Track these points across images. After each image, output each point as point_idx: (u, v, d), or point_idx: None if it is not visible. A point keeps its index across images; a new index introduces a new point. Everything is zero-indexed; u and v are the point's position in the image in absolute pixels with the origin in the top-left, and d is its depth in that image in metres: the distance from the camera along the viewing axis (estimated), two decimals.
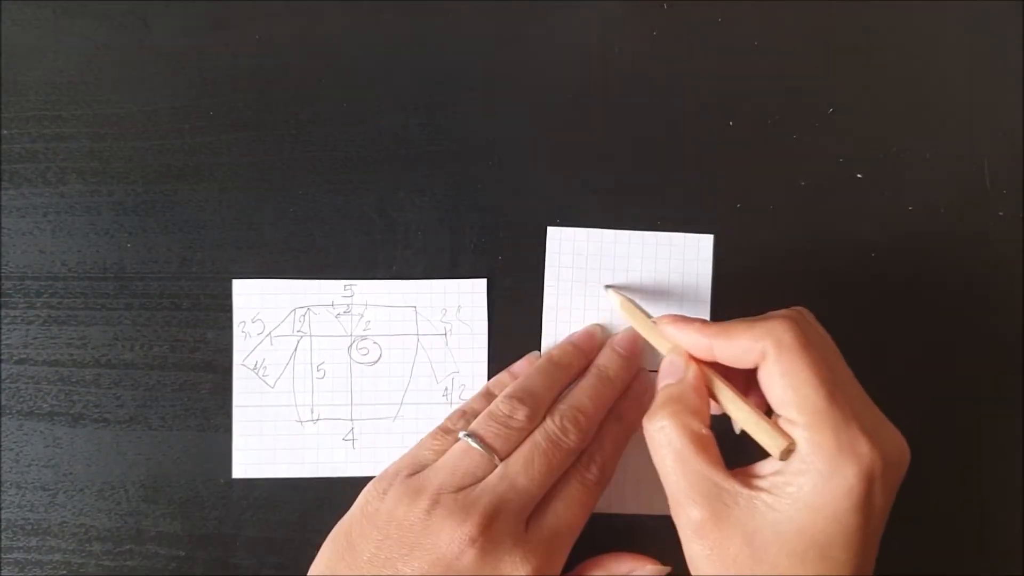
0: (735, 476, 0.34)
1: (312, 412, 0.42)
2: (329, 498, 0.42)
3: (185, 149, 0.43)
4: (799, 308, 0.36)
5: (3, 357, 0.42)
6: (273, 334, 0.42)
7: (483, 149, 0.43)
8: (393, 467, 0.38)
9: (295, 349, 0.42)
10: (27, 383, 0.42)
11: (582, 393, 0.39)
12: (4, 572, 0.41)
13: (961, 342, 0.43)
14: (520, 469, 0.36)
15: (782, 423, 0.34)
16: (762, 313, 0.40)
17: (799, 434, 0.33)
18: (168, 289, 0.42)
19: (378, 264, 0.43)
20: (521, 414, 0.37)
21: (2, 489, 0.42)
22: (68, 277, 0.42)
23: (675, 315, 0.38)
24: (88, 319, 0.42)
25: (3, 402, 0.42)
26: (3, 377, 0.42)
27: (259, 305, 0.42)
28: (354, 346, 0.42)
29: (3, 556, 0.41)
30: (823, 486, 0.32)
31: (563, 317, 0.43)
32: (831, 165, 0.43)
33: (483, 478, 0.36)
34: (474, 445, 0.37)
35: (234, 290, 0.42)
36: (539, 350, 0.43)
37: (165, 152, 0.43)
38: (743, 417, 0.35)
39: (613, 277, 0.43)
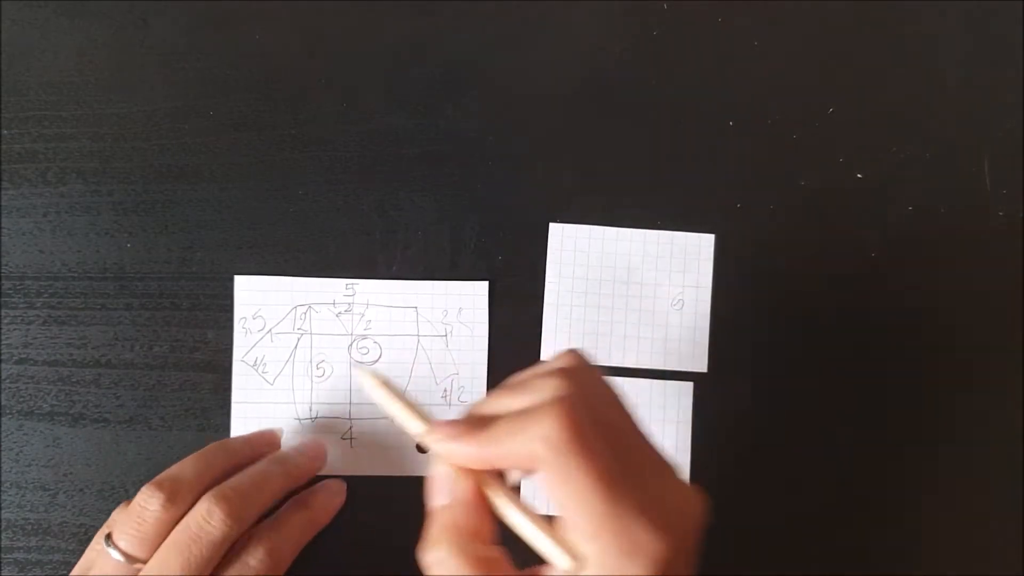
0: None
1: (311, 410, 0.42)
2: None
3: (185, 149, 0.43)
4: (570, 356, 0.32)
5: (3, 357, 0.42)
6: (274, 331, 0.42)
7: (483, 149, 0.43)
8: None
9: (295, 347, 0.42)
10: (27, 383, 0.42)
11: (243, 474, 0.36)
12: (4, 572, 0.41)
13: (961, 342, 0.43)
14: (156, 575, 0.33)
15: (568, 528, 0.30)
16: (763, 314, 0.40)
17: (585, 543, 0.29)
18: (168, 289, 0.42)
19: (378, 264, 0.43)
20: (155, 504, 0.34)
21: (2, 489, 0.42)
22: (68, 277, 0.42)
23: (446, 424, 0.32)
24: (88, 319, 0.42)
25: (3, 402, 0.42)
26: (3, 377, 0.42)
27: (260, 302, 0.42)
28: (354, 345, 0.42)
29: (3, 556, 0.41)
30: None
31: (564, 314, 0.43)
32: (831, 165, 0.43)
33: None
34: (110, 552, 0.34)
35: (236, 286, 0.42)
36: (540, 349, 0.43)
37: (165, 152, 0.43)
38: (526, 532, 0.31)
39: (615, 275, 0.43)
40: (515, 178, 0.43)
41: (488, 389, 0.42)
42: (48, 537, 0.41)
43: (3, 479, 0.42)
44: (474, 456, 0.31)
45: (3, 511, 0.41)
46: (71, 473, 0.42)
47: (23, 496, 0.42)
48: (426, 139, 0.43)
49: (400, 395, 0.33)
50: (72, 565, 0.41)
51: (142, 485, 0.41)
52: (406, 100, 0.43)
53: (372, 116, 0.43)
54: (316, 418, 0.42)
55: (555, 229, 0.43)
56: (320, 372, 0.42)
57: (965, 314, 0.43)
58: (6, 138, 0.42)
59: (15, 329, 0.42)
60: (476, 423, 0.31)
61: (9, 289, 0.42)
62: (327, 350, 0.42)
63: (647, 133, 0.43)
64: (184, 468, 0.36)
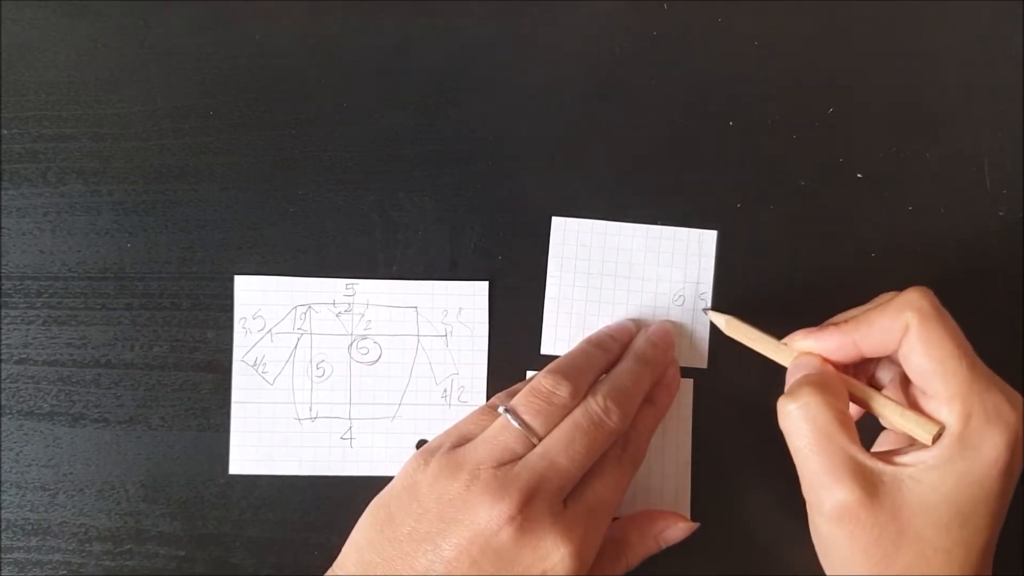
0: (876, 456, 0.34)
1: (311, 410, 0.42)
2: (329, 498, 0.42)
3: (185, 149, 0.43)
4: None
5: (3, 357, 0.42)
6: (274, 331, 0.42)
7: (483, 149, 0.43)
8: (437, 440, 0.38)
9: (295, 347, 0.42)
10: (27, 383, 0.42)
11: (623, 375, 0.39)
12: (4, 572, 0.41)
13: None
14: (561, 449, 0.35)
15: (925, 400, 0.35)
16: (763, 312, 0.40)
17: (944, 409, 0.33)
18: (168, 289, 0.42)
19: (378, 264, 0.43)
20: (564, 390, 0.37)
21: (2, 489, 0.42)
22: (68, 277, 0.42)
23: (803, 330, 0.38)
24: (88, 319, 0.42)
25: (3, 402, 0.42)
26: (3, 377, 0.42)
27: (260, 302, 0.42)
28: (354, 345, 0.42)
29: (3, 556, 0.41)
30: (972, 455, 0.32)
31: (564, 308, 0.43)
32: (831, 165, 0.43)
33: (523, 455, 0.35)
34: (512, 422, 0.36)
35: (236, 286, 0.42)
36: (539, 348, 0.43)
37: (165, 152, 0.43)
38: (888, 410, 0.35)
39: (616, 270, 0.43)
40: (515, 178, 0.43)
41: (488, 389, 0.42)
42: (48, 537, 0.41)
43: (3, 479, 0.42)
44: (842, 342, 0.36)
45: (3, 511, 0.41)
46: (71, 473, 0.42)
47: (23, 496, 0.42)
48: (426, 139, 0.43)
49: (754, 331, 0.39)
50: (72, 565, 0.41)
51: (142, 485, 0.42)
52: (406, 100, 0.43)
53: (372, 116, 0.43)
54: (316, 418, 0.42)
55: (557, 223, 0.43)
56: (320, 372, 0.42)
57: (964, 314, 0.43)
58: (6, 138, 0.42)
59: (15, 329, 0.42)
60: (835, 323, 0.37)
61: (9, 289, 0.42)
62: (327, 350, 0.42)
63: (647, 133, 0.43)
64: (578, 362, 0.39)
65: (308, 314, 0.42)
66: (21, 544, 0.41)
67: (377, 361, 0.42)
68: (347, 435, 0.42)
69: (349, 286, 0.42)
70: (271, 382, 0.42)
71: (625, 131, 0.43)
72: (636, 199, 0.43)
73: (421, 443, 0.42)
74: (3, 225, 0.42)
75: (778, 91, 0.44)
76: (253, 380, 0.42)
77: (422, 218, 0.43)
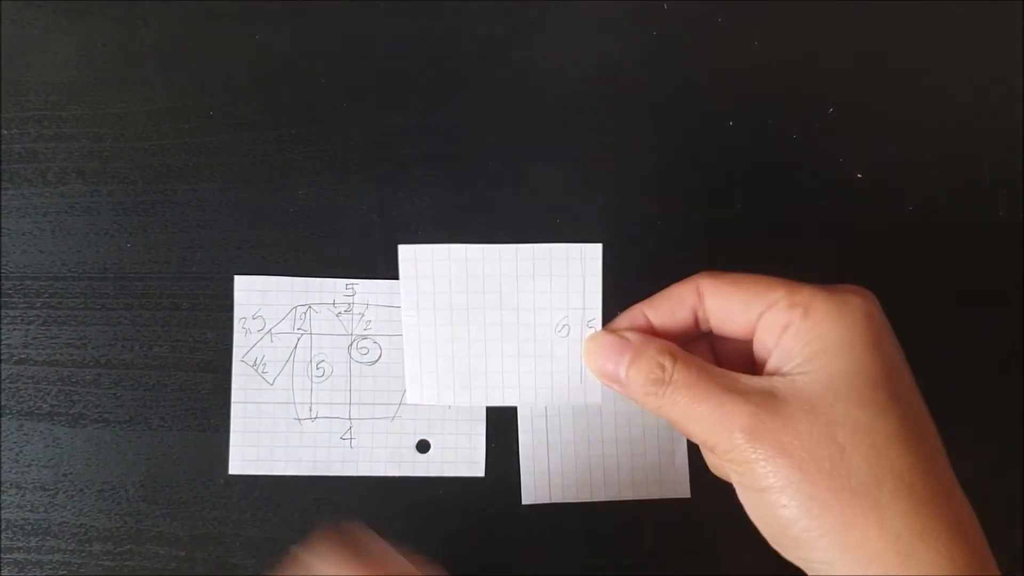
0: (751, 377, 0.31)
1: (310, 410, 0.42)
2: (328, 498, 0.42)
3: (185, 149, 0.43)
4: None
5: (3, 357, 0.42)
6: (273, 331, 0.42)
7: (483, 149, 0.43)
8: None
9: (295, 347, 0.42)
10: (27, 383, 0.42)
11: None
12: (4, 572, 0.41)
13: (960, 343, 0.43)
14: None
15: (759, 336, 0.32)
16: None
17: (792, 312, 0.30)
18: (168, 289, 0.42)
19: (378, 264, 0.43)
20: None
21: (2, 489, 0.42)
22: (68, 277, 0.42)
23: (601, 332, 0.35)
24: (88, 319, 0.42)
25: (3, 402, 0.42)
26: (3, 377, 0.42)
27: (260, 302, 0.42)
28: (354, 345, 0.42)
29: (3, 556, 0.41)
30: (834, 323, 0.30)
31: (428, 351, 0.37)
32: (831, 165, 0.43)
33: None
34: None
35: (236, 286, 0.42)
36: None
37: (165, 152, 0.43)
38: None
39: (484, 301, 0.37)
40: (515, 178, 0.43)
41: None
42: (48, 537, 0.41)
43: (3, 479, 0.42)
44: (634, 318, 0.34)
45: (3, 511, 0.41)
46: (71, 473, 0.42)
47: (23, 496, 0.42)
48: (426, 139, 0.43)
49: None
50: (72, 565, 0.41)
51: (142, 485, 0.42)
52: (406, 100, 0.43)
53: (372, 116, 0.43)
54: (316, 418, 0.42)
55: (405, 252, 0.36)
56: (320, 372, 0.42)
57: (964, 315, 0.43)
58: (6, 138, 0.42)
59: (15, 329, 0.42)
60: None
61: (9, 289, 0.42)
62: (327, 350, 0.42)
63: (647, 134, 0.43)
64: None
65: (308, 314, 0.42)
66: (21, 544, 0.41)
67: (377, 361, 0.42)
68: (347, 435, 0.42)
69: (349, 286, 0.42)
70: (271, 382, 0.42)
71: (625, 131, 0.43)
72: (636, 199, 0.43)
73: (421, 443, 0.42)
74: (3, 225, 0.42)
75: (778, 91, 0.44)
76: (253, 380, 0.42)
77: (422, 218, 0.43)
